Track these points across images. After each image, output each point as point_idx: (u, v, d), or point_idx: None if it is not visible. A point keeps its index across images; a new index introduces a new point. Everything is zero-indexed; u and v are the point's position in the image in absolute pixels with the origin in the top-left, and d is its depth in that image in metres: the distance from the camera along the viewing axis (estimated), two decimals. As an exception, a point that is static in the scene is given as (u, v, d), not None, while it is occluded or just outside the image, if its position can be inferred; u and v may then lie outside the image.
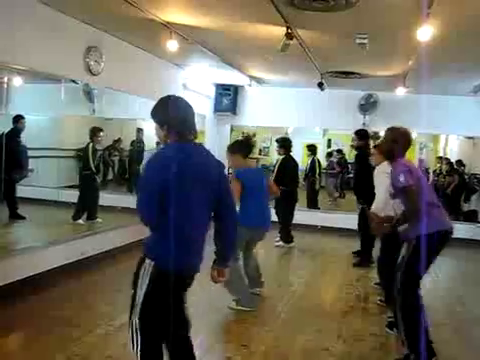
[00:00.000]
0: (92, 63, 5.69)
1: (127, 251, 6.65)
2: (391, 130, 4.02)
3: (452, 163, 10.41)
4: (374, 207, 5.03)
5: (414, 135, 11.55)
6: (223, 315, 4.69)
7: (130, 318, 2.59)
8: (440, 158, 11.76)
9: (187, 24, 5.35)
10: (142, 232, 7.19)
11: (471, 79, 7.30)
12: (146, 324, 2.54)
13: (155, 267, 2.50)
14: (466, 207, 10.20)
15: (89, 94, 7.57)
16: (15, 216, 6.58)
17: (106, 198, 7.76)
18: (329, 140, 14.25)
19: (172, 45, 5.53)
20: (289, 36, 5.07)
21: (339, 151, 13.40)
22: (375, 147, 5.69)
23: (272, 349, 3.94)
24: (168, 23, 5.30)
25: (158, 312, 2.57)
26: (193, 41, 5.99)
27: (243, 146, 5.03)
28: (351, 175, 13.84)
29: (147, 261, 2.53)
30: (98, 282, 5.49)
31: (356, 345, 4.12)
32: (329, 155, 12.85)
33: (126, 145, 10.04)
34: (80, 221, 7.19)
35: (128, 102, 7.61)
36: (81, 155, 8.29)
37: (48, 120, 8.54)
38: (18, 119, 6.39)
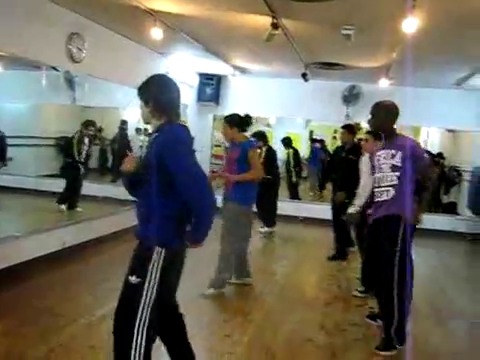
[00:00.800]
0: (74, 50, 5.58)
1: (110, 240, 6.63)
2: (380, 104, 4.05)
3: (433, 155, 10.52)
4: (361, 191, 5.10)
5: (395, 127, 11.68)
6: (204, 304, 4.68)
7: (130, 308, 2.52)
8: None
9: (171, 12, 5.27)
10: (125, 222, 7.23)
11: (454, 72, 7.35)
12: (156, 314, 2.53)
13: (166, 253, 2.49)
14: (445, 199, 10.34)
15: (70, 82, 7.47)
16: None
17: (87, 187, 7.68)
18: (311, 131, 14.33)
19: (156, 33, 5.46)
20: (275, 26, 5.03)
21: (320, 141, 13.47)
22: (369, 133, 5.43)
23: (255, 339, 3.94)
24: (152, 10, 5.22)
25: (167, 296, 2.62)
26: (177, 29, 5.92)
27: (243, 120, 5.11)
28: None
29: (156, 249, 2.48)
30: (81, 272, 5.45)
31: (339, 335, 4.15)
32: (313, 141, 12.91)
33: (108, 134, 9.96)
34: (62, 206, 7.13)
35: (110, 90, 7.53)
36: (61, 144, 8.22)
37: (27, 108, 8.43)
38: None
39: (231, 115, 5.20)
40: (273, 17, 4.98)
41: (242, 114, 5.18)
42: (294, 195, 10.23)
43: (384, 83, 7.77)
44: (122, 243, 6.73)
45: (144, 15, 5.32)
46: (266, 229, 7.92)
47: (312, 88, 8.82)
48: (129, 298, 2.53)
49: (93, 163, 9.44)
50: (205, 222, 2.47)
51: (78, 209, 7.32)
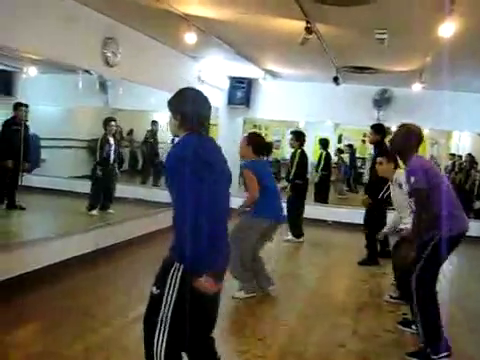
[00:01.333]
0: (109, 54, 5.69)
1: (142, 242, 6.71)
2: (401, 127, 3.99)
3: (474, 158, 10.38)
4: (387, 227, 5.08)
5: (426, 131, 11.55)
6: (235, 308, 4.71)
7: (153, 318, 2.46)
8: (453, 155, 11.72)
9: (205, 16, 5.32)
10: (156, 224, 7.30)
11: (489, 76, 7.25)
12: (177, 325, 2.44)
13: (186, 273, 2.39)
14: (478, 205, 10.15)
15: (103, 85, 7.59)
16: (12, 206, 6.44)
17: (118, 189, 7.77)
18: (340, 135, 14.23)
19: (190, 38, 5.50)
20: (309, 30, 5.03)
21: (350, 146, 13.41)
22: (383, 155, 5.30)
23: (288, 344, 3.95)
24: (186, 15, 5.28)
25: (189, 315, 2.44)
26: (210, 33, 5.97)
27: (262, 145, 5.04)
28: (361, 170, 13.96)
29: (175, 265, 2.42)
30: (113, 273, 5.52)
31: (371, 341, 4.12)
32: (339, 151, 12.85)
33: (138, 137, 10.10)
34: (93, 212, 7.23)
35: (141, 94, 7.62)
36: (92, 146, 8.35)
37: (61, 110, 8.60)
38: (17, 106, 6.23)
39: (255, 134, 5.23)
40: (307, 21, 4.99)
41: (267, 140, 5.11)
42: (324, 199, 10.19)
43: (417, 87, 7.67)
44: (153, 245, 6.81)
45: (178, 20, 5.37)
46: (291, 238, 7.81)
47: (343, 92, 8.78)
48: (151, 308, 2.52)
49: (124, 165, 9.59)
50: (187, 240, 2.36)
51: (110, 211, 7.42)
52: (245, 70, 8.54)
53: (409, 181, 3.65)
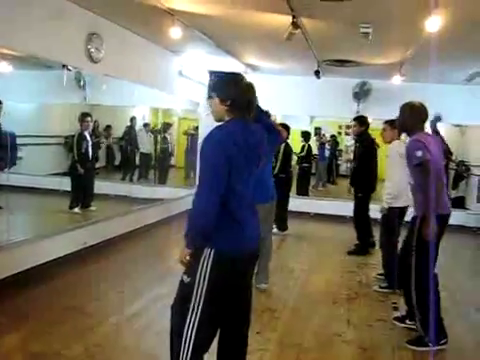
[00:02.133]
0: (93, 50, 5.61)
1: (128, 239, 6.68)
2: (406, 105, 4.03)
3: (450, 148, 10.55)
4: (388, 196, 5.13)
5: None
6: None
7: (184, 306, 2.48)
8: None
9: (190, 11, 5.30)
10: (142, 220, 7.26)
11: (466, 68, 7.40)
12: (208, 317, 2.46)
13: (218, 254, 2.42)
14: (453, 194, 10.37)
15: (81, 81, 7.49)
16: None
17: (97, 185, 7.70)
18: (317, 128, 14.34)
19: (175, 32, 5.48)
20: (295, 25, 5.06)
21: (332, 136, 13.58)
22: (386, 122, 5.60)
23: (286, 336, 3.99)
24: (171, 10, 5.25)
25: (222, 303, 2.51)
26: (194, 28, 5.95)
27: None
28: (340, 162, 14.15)
29: (206, 251, 2.43)
30: (103, 271, 5.49)
31: (366, 330, 4.21)
32: (321, 144, 12.99)
33: (115, 132, 10.02)
34: (75, 210, 7.15)
35: (120, 89, 7.55)
36: (68, 142, 8.24)
37: (38, 107, 8.47)
38: (-10, 104, 6.03)
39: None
40: (293, 16, 5.02)
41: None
42: (305, 191, 10.30)
43: (397, 80, 7.79)
44: (140, 241, 6.82)
45: (162, 14, 5.35)
46: (276, 231, 7.83)
47: (322, 85, 8.83)
48: (181, 297, 2.53)
49: (101, 161, 9.51)
50: (189, 226, 2.46)
51: (92, 208, 7.35)
52: (226, 64, 8.52)
53: (415, 157, 3.66)
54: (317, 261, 6.57)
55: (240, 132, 2.48)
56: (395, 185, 5.12)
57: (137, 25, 6.18)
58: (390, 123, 5.50)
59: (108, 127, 9.75)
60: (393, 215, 5.19)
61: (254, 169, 2.58)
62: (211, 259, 2.42)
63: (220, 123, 2.55)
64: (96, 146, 8.05)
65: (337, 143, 13.93)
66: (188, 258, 2.48)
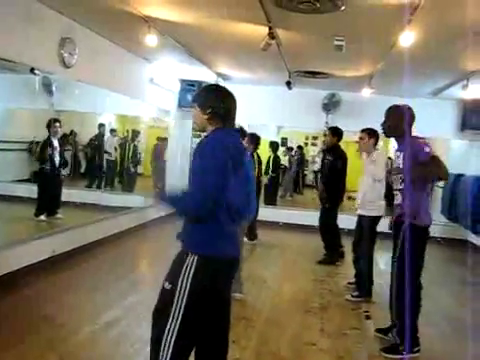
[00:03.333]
0: (66, 55, 5.52)
1: (97, 247, 6.56)
2: (394, 108, 4.05)
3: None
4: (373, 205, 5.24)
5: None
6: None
7: (165, 312, 2.47)
8: (389, 158, 12.20)
9: (166, 19, 5.30)
10: (111, 228, 7.14)
11: (432, 82, 7.63)
12: (188, 325, 2.45)
13: (201, 259, 2.43)
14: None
15: (48, 87, 7.35)
16: None
17: (64, 193, 7.53)
18: (284, 138, 14.48)
19: (151, 40, 5.46)
20: (271, 36, 5.12)
21: (299, 147, 13.74)
22: (364, 131, 5.61)
23: (261, 345, 3.99)
24: (147, 17, 5.23)
25: (202, 311, 2.50)
26: (168, 36, 5.94)
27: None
28: (306, 172, 14.33)
29: (189, 257, 2.44)
30: (74, 279, 5.36)
31: (341, 339, 4.25)
32: (289, 150, 13.15)
33: (81, 139, 9.85)
34: (41, 217, 6.98)
35: (87, 95, 7.45)
36: (32, 148, 8.06)
37: (1, 112, 8.26)
38: None
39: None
40: (269, 27, 5.07)
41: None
42: (273, 201, 10.36)
43: (366, 92, 7.96)
44: (109, 249, 6.71)
45: (137, 21, 5.32)
46: (246, 240, 7.83)
47: (292, 96, 8.95)
48: (162, 303, 2.52)
49: (67, 168, 9.31)
50: (180, 204, 2.52)
51: (59, 216, 7.19)
52: (197, 73, 8.54)
53: (425, 153, 3.65)
54: (288, 270, 6.62)
55: (231, 140, 2.54)
56: (377, 194, 5.23)
57: (111, 31, 6.13)
58: (368, 132, 5.54)
59: (71, 133, 9.55)
60: (375, 224, 5.31)
61: (240, 177, 2.58)
62: (194, 265, 2.42)
63: (204, 133, 2.62)
64: (63, 153, 7.87)
65: (303, 154, 14.11)
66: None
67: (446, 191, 9.26)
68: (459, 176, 8.89)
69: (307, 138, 15.18)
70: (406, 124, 3.84)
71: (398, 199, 3.94)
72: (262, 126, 11.66)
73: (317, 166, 13.52)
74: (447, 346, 4.35)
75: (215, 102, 2.56)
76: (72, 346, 3.69)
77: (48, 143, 7.06)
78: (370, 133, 5.51)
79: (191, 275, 2.42)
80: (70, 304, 4.56)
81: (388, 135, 4.17)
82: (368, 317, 4.78)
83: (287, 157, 13.11)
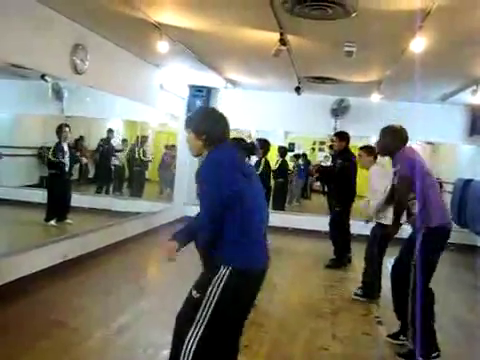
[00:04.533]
0: (78, 61, 5.58)
1: (107, 253, 6.59)
2: (387, 129, 4.18)
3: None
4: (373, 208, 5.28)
5: (374, 140, 11.98)
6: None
7: (189, 317, 2.54)
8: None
9: (178, 25, 5.34)
10: (121, 233, 7.16)
11: (441, 88, 7.63)
12: (212, 331, 2.52)
13: (235, 271, 2.49)
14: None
15: (58, 92, 7.40)
16: None
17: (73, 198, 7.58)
18: (291, 144, 14.49)
19: (162, 46, 5.50)
20: (283, 42, 5.15)
21: (304, 155, 13.77)
22: (362, 148, 5.81)
23: (274, 350, 4.00)
24: (159, 24, 5.27)
25: (228, 321, 2.61)
26: (179, 43, 5.98)
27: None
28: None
29: (222, 269, 2.50)
30: (85, 284, 5.38)
31: (351, 344, 4.26)
32: (296, 157, 13.16)
33: (89, 144, 9.90)
34: (51, 222, 7.01)
35: (97, 101, 7.51)
36: (42, 153, 8.11)
37: (12, 118, 8.31)
38: None
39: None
40: (281, 33, 5.10)
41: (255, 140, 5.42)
42: (281, 206, 10.38)
43: (376, 98, 7.98)
44: (119, 255, 6.73)
45: (148, 28, 5.36)
46: None
47: (301, 101, 8.99)
48: (188, 308, 2.57)
49: (75, 174, 9.36)
50: (195, 238, 2.59)
51: (68, 221, 7.22)
52: (206, 79, 8.59)
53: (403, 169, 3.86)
54: (298, 275, 6.62)
55: (232, 154, 2.67)
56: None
57: (122, 38, 6.18)
58: (366, 149, 5.74)
59: (81, 138, 9.60)
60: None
61: (256, 185, 2.69)
62: (226, 277, 2.48)
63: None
64: (74, 157, 7.89)
65: (308, 161, 14.12)
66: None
67: (455, 196, 9.23)
68: (468, 181, 8.87)
69: (314, 143, 15.19)
70: (398, 144, 4.00)
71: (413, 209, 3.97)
72: (269, 131, 11.73)
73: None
74: (457, 350, 4.33)
75: (210, 127, 2.62)
76: (85, 351, 3.72)
77: (58, 148, 7.11)
78: (368, 150, 5.72)
79: (221, 287, 2.49)
80: (82, 309, 4.59)
81: (381, 154, 4.45)
82: (380, 323, 4.77)
83: (294, 164, 13.10)
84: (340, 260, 6.90)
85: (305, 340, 4.27)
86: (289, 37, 5.36)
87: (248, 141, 5.37)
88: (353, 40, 5.26)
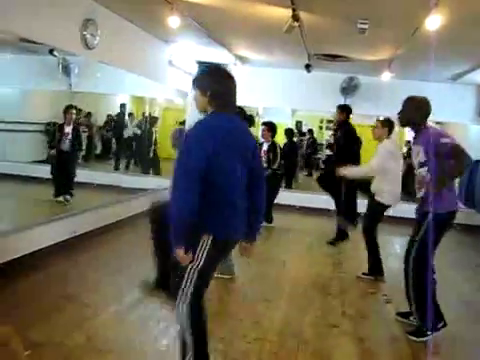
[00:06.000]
0: (89, 36, 5.52)
1: (116, 229, 6.62)
2: (411, 99, 4.09)
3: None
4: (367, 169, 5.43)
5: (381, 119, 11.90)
6: (226, 290, 4.80)
7: (177, 291, 2.67)
8: (408, 141, 12.16)
9: (189, 0, 5.27)
10: (129, 210, 7.17)
11: (451, 67, 7.55)
12: (198, 295, 2.68)
13: (213, 239, 2.60)
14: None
15: (66, 68, 7.36)
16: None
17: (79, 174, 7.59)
18: (298, 122, 14.43)
19: (173, 21, 5.44)
20: (295, 18, 5.08)
21: (310, 131, 13.73)
22: (379, 120, 5.76)
23: (284, 326, 4.03)
24: (170, -2, 5.21)
25: (207, 280, 2.77)
26: (190, 18, 5.92)
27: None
28: (319, 156, 14.35)
29: (204, 236, 2.60)
30: (93, 261, 5.40)
31: (361, 322, 4.29)
32: (301, 134, 13.17)
33: (96, 119, 9.87)
34: (60, 198, 7.05)
35: (106, 76, 7.47)
36: (49, 129, 8.11)
37: (20, 93, 8.28)
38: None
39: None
40: (293, 9, 5.03)
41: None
42: (290, 185, 10.44)
43: (386, 76, 7.90)
44: (127, 232, 6.75)
45: (160, 2, 5.29)
46: (264, 223, 7.91)
47: (310, 79, 8.91)
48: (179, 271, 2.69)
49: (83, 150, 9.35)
50: (173, 225, 2.53)
51: (67, 197, 7.18)
52: (215, 55, 8.50)
53: (444, 144, 3.66)
54: (305, 253, 6.66)
55: (221, 124, 2.65)
56: (390, 183, 5.25)
57: (133, 12, 6.10)
58: (382, 122, 5.67)
59: (89, 114, 9.57)
60: (383, 210, 5.38)
61: (246, 158, 2.73)
62: (208, 244, 2.61)
63: (202, 116, 2.71)
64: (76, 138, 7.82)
65: (315, 139, 14.12)
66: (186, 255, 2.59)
67: (463, 177, 9.19)
68: (477, 162, 8.82)
69: (322, 121, 15.08)
70: (422, 115, 3.93)
71: (420, 192, 3.93)
72: (276, 109, 11.67)
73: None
74: (463, 328, 4.37)
75: (214, 84, 2.65)
76: (98, 326, 3.74)
77: (61, 127, 7.13)
78: (384, 122, 5.64)
79: (205, 253, 2.62)
80: (93, 284, 4.63)
81: (403, 125, 4.22)
82: (388, 301, 4.80)
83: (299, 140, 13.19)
84: (341, 236, 7.00)
85: (315, 317, 4.30)
86: (301, 14, 5.29)
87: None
88: (366, 17, 5.18)
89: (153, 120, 10.21)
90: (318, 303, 4.67)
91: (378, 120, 5.80)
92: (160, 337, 3.65)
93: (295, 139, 13.30)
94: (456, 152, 3.66)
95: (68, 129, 7.20)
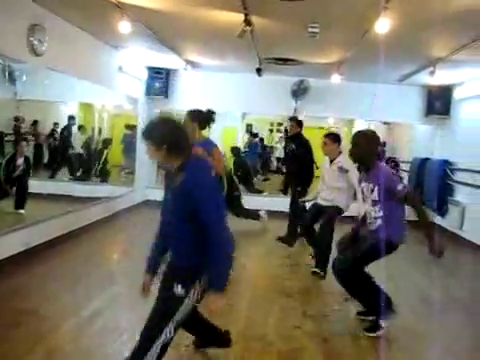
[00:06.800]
0: (36, 42, 5.37)
1: (68, 240, 6.45)
2: (362, 134, 4.13)
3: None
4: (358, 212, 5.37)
5: (330, 120, 12.16)
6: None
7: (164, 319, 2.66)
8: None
9: (139, 5, 5.21)
10: (83, 218, 6.99)
11: (400, 68, 7.78)
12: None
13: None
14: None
15: (11, 75, 7.13)
16: None
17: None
18: (249, 125, 14.50)
19: (124, 27, 5.38)
20: (247, 22, 5.11)
21: (261, 139, 14.07)
22: (327, 136, 5.83)
23: (248, 329, 4.05)
24: (120, 3, 5.14)
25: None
26: (140, 23, 5.85)
27: (202, 116, 4.65)
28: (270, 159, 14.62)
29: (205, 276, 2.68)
30: (49, 273, 5.24)
31: (322, 321, 4.36)
32: (253, 135, 13.37)
33: (43, 128, 9.58)
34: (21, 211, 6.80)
35: (53, 83, 7.27)
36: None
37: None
38: None
39: (192, 109, 4.71)
40: (246, 14, 5.06)
41: (205, 109, 4.75)
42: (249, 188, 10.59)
43: (336, 79, 8.05)
44: (83, 240, 6.60)
45: (110, 8, 5.21)
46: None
47: (261, 83, 9.00)
48: (170, 304, 2.67)
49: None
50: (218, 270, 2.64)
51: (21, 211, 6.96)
52: (165, 60, 8.46)
53: (398, 190, 3.79)
54: (264, 256, 6.69)
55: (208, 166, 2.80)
56: (344, 196, 5.60)
57: (81, 18, 5.99)
58: (332, 138, 5.78)
59: (35, 123, 9.27)
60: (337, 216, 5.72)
61: None
62: (206, 284, 2.69)
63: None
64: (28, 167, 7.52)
65: (264, 146, 14.39)
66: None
67: (413, 175, 9.52)
68: (425, 160, 9.15)
69: (272, 124, 15.27)
70: (373, 151, 3.98)
71: (373, 226, 4.09)
72: (226, 113, 11.67)
73: (279, 152, 14.03)
74: (420, 321, 4.55)
75: (168, 137, 2.58)
76: (59, 338, 3.65)
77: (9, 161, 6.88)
78: (334, 138, 5.79)
79: (199, 294, 2.69)
80: (51, 296, 4.48)
81: (355, 161, 4.35)
82: (346, 299, 4.88)
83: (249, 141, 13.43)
84: (291, 237, 7.19)
85: (277, 319, 4.33)
86: (253, 18, 5.33)
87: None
88: (317, 21, 5.27)
89: (107, 142, 9.89)
90: (279, 305, 4.70)
91: (326, 136, 5.87)
92: (123, 348, 3.57)
93: (246, 140, 13.59)
94: (411, 200, 3.85)
95: (20, 161, 6.96)
